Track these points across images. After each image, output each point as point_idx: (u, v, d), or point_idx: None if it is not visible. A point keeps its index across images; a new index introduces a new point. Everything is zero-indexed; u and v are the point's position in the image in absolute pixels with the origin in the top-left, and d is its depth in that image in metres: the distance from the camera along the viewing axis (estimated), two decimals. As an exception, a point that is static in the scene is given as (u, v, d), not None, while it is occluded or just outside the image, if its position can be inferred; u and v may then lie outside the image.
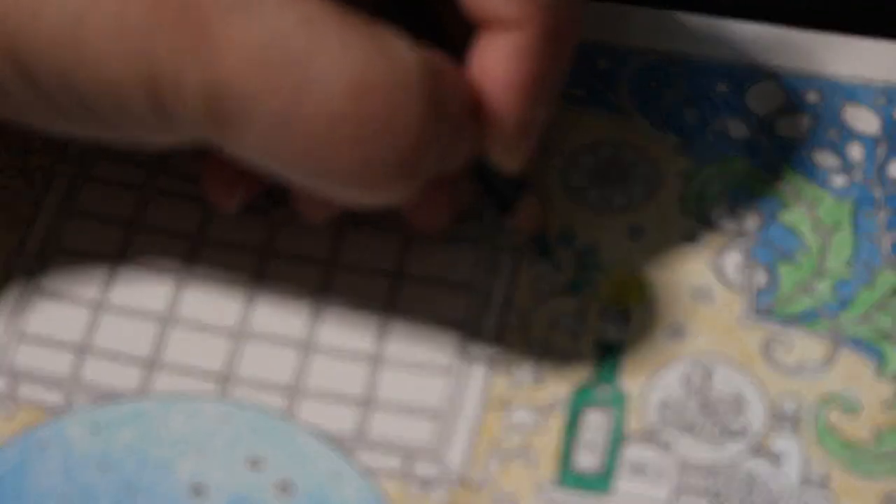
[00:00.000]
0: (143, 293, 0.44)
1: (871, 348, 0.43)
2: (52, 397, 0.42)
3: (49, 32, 0.35)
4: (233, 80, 0.35)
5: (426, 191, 0.38)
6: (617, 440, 0.41)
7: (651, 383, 0.42)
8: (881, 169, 0.46)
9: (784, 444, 0.41)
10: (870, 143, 0.46)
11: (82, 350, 0.43)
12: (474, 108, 0.38)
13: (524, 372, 0.43)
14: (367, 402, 0.42)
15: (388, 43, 0.36)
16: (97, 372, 0.43)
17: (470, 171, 0.42)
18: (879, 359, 0.43)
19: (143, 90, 0.35)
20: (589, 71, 0.48)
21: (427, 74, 0.36)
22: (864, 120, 0.47)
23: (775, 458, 0.41)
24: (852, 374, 0.42)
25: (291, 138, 0.35)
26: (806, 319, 0.43)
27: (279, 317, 0.44)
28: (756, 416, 0.42)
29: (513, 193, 0.43)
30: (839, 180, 0.46)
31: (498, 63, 0.38)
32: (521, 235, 0.45)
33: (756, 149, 0.46)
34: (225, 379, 0.43)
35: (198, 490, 0.41)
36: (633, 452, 0.41)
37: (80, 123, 0.38)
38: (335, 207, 0.43)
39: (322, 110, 0.35)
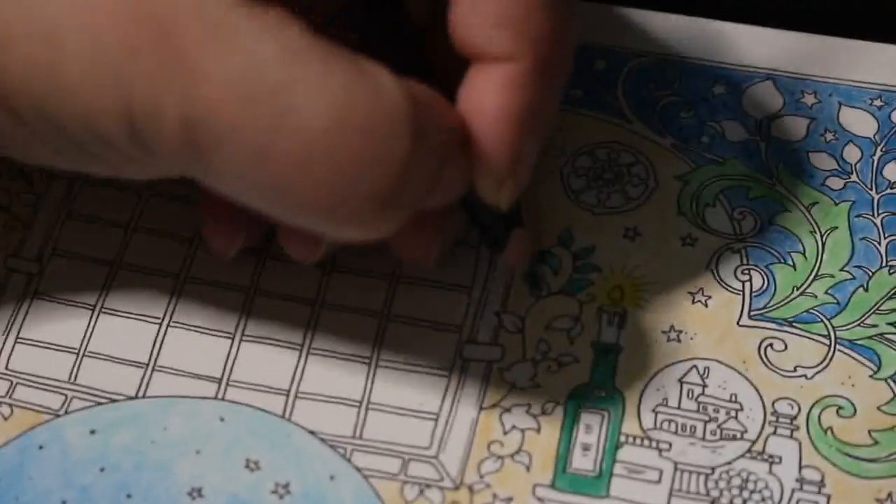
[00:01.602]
0: (141, 295, 0.44)
1: (867, 351, 0.43)
2: (50, 399, 0.42)
3: (24, 63, 0.35)
4: (209, 110, 0.34)
5: (414, 224, 0.37)
6: (613, 442, 0.41)
7: (648, 385, 0.42)
8: (877, 171, 0.46)
9: (780, 446, 0.41)
10: (866, 145, 0.46)
11: (80, 352, 0.43)
12: (464, 143, 0.37)
13: (521, 374, 0.43)
14: (363, 405, 0.42)
15: (371, 75, 0.35)
16: (95, 374, 0.43)
17: (459, 205, 0.41)
18: (875, 361, 0.43)
19: (120, 119, 0.35)
20: (586, 73, 0.48)
21: (411, 107, 0.35)
22: (861, 122, 0.47)
23: (772, 461, 0.41)
24: (848, 376, 0.42)
25: (268, 171, 0.34)
26: (802, 322, 0.43)
27: (277, 319, 0.44)
28: (752, 418, 0.42)
29: (502, 229, 0.43)
30: (836, 182, 0.46)
31: (488, 95, 0.37)
32: (511, 271, 0.44)
33: (753, 151, 0.46)
34: (222, 381, 0.43)
35: (195, 492, 0.41)
36: (630, 455, 0.41)
37: (63, 156, 0.37)
38: (322, 247, 0.42)
39: (300, 143, 0.34)
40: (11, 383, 0.43)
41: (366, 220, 0.35)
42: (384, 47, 0.38)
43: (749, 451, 0.41)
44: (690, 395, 0.42)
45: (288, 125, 0.34)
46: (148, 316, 0.44)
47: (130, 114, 0.35)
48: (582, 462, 0.41)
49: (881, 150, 0.46)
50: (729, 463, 0.41)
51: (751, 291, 0.44)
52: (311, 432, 0.42)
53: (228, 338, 0.43)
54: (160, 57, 0.34)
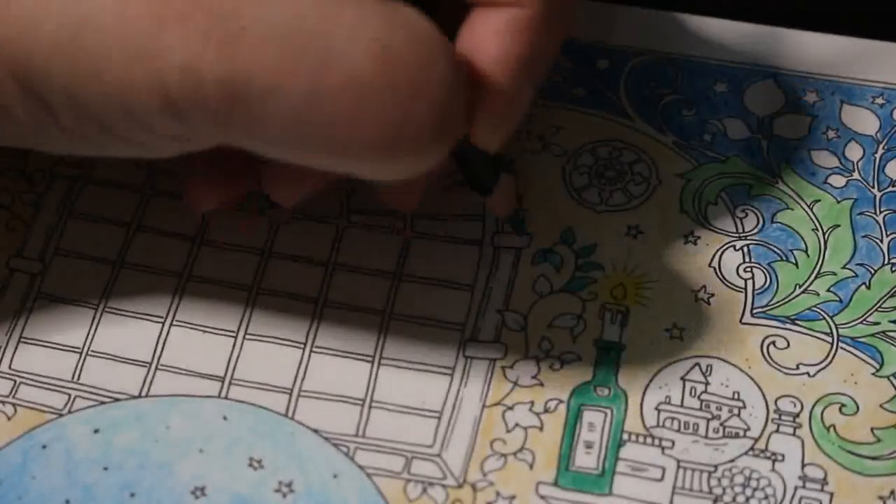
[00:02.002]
0: (143, 294, 0.44)
1: (869, 348, 0.43)
2: (54, 399, 0.42)
3: (50, 43, 0.35)
4: (252, 66, 0.34)
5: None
6: (616, 440, 0.41)
7: (650, 383, 0.42)
8: (879, 169, 0.46)
9: (783, 443, 0.41)
10: (868, 143, 0.47)
11: (83, 351, 0.43)
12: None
13: (523, 372, 0.43)
14: (367, 403, 0.42)
15: (401, 9, 0.35)
16: (98, 373, 0.43)
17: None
18: (878, 359, 0.43)
19: (154, 91, 0.35)
20: (589, 71, 0.48)
21: (444, 38, 0.36)
22: (863, 120, 0.47)
23: (774, 458, 0.41)
24: (851, 374, 0.42)
25: (319, 116, 0.35)
26: (805, 319, 0.43)
27: (279, 317, 0.44)
28: (755, 415, 0.42)
29: (491, 174, 0.43)
30: (838, 180, 0.46)
31: (491, 38, 0.38)
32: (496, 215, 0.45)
33: (755, 149, 0.47)
34: (225, 380, 0.43)
35: (198, 491, 0.41)
36: (633, 452, 0.41)
37: (90, 142, 0.37)
38: (307, 186, 0.42)
39: (349, 81, 0.34)
40: (15, 383, 0.43)
41: (420, 150, 0.36)
42: None
43: (752, 448, 0.41)
44: (693, 393, 0.42)
45: (333, 67, 0.34)
46: (151, 315, 0.44)
47: (164, 84, 0.35)
48: (585, 460, 0.41)
49: (883, 148, 0.46)
50: (732, 460, 0.41)
51: (753, 289, 0.44)
52: (315, 431, 0.42)
53: (231, 336, 0.44)
54: (194, 19, 0.34)
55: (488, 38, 0.38)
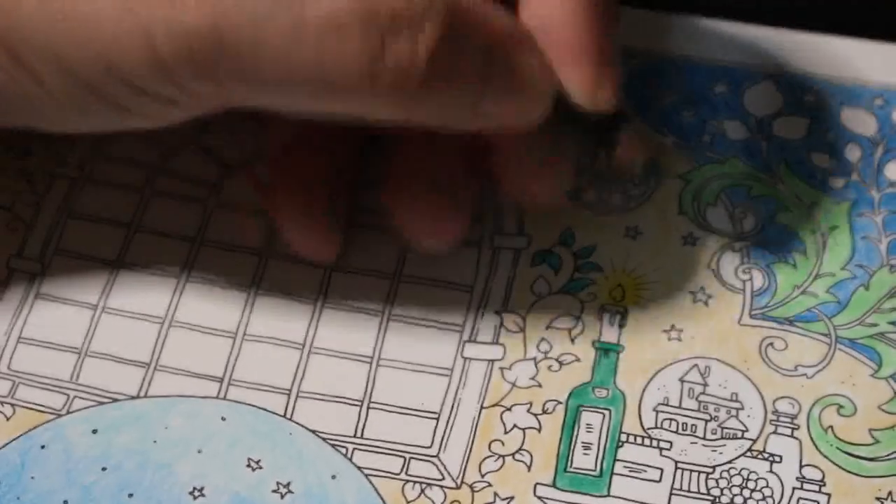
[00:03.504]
0: (142, 295, 0.44)
1: (867, 350, 0.43)
2: (52, 399, 0.42)
3: (35, 4, 0.35)
4: (233, 13, 0.34)
5: (427, 202, 0.38)
6: (614, 441, 0.41)
7: (648, 384, 0.42)
8: (878, 170, 0.46)
9: (781, 445, 0.41)
10: (867, 144, 0.47)
11: (82, 352, 0.43)
12: (523, 42, 0.37)
13: (522, 373, 0.43)
14: (365, 404, 0.42)
15: None
16: (97, 373, 0.43)
17: (559, 123, 0.40)
18: (876, 360, 0.43)
19: (141, 46, 0.35)
20: (588, 71, 0.48)
21: None
22: (862, 121, 0.47)
23: (772, 459, 0.41)
24: (849, 375, 0.42)
25: (303, 55, 0.35)
26: (803, 320, 0.43)
27: (278, 318, 0.44)
28: (753, 417, 0.42)
29: (613, 127, 0.41)
30: (836, 182, 0.46)
31: None
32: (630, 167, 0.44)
33: (754, 150, 0.47)
34: (224, 381, 0.43)
35: (197, 491, 0.41)
36: (631, 454, 0.41)
37: (87, 113, 0.37)
38: (336, 245, 0.43)
39: (327, 17, 0.35)
40: (13, 383, 0.43)
41: (406, 81, 0.36)
42: None
43: (750, 449, 0.41)
44: (691, 394, 0.42)
45: (313, 4, 0.35)
46: (150, 315, 0.44)
47: (151, 39, 0.35)
48: (583, 461, 0.41)
49: (882, 150, 0.46)
50: (730, 462, 0.41)
51: (752, 290, 0.44)
52: (313, 431, 0.42)
53: (230, 337, 0.44)
54: None
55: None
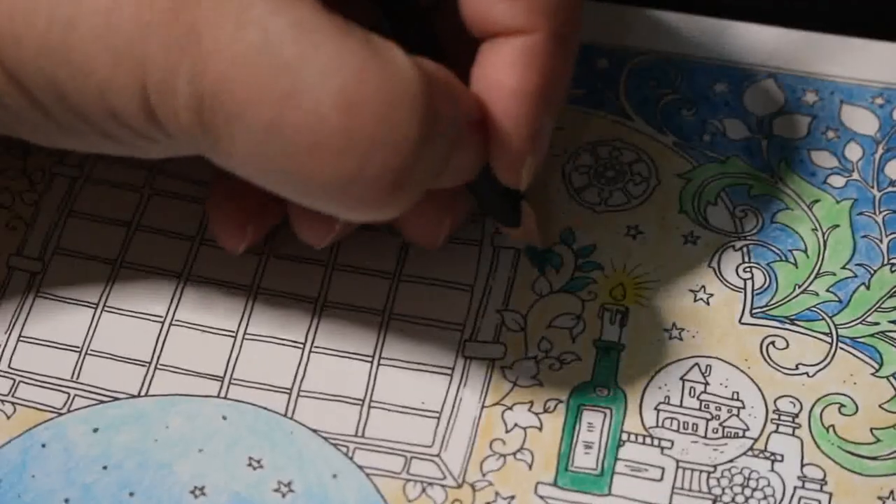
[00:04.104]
0: (143, 294, 0.44)
1: (868, 348, 0.43)
2: (53, 398, 0.42)
3: (38, 41, 0.35)
4: (220, 85, 0.34)
5: (423, 204, 0.37)
6: (615, 440, 0.41)
7: (650, 383, 0.42)
8: (879, 169, 0.46)
9: (782, 444, 0.41)
10: (868, 143, 0.47)
11: (82, 350, 0.43)
12: (479, 123, 0.37)
13: (523, 372, 0.43)
14: (366, 403, 0.42)
15: (384, 54, 0.34)
16: (97, 372, 0.43)
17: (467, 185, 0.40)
18: (877, 359, 0.43)
19: (135, 95, 0.35)
20: (589, 71, 0.48)
21: (424, 88, 0.34)
22: (862, 120, 0.47)
23: (773, 458, 0.41)
24: (850, 374, 0.42)
25: (279, 149, 0.34)
26: (804, 319, 0.43)
27: (279, 317, 0.44)
28: (754, 416, 0.42)
29: (513, 205, 0.42)
30: (837, 181, 0.46)
31: (503, 70, 0.37)
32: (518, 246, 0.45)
33: (754, 149, 0.47)
34: (225, 380, 0.43)
35: (198, 490, 0.41)
36: (632, 453, 0.41)
37: (78, 137, 0.37)
38: (334, 231, 0.42)
39: (310, 123, 0.34)
40: (14, 381, 0.43)
41: (376, 201, 0.35)
42: (395, 25, 0.38)
43: (751, 448, 0.41)
44: (692, 393, 0.42)
45: (298, 103, 0.33)
46: (150, 314, 0.44)
47: (144, 90, 0.34)
48: (584, 460, 0.41)
49: (882, 148, 0.46)
50: (731, 461, 0.41)
51: (752, 289, 0.44)
52: (314, 431, 0.42)
53: (231, 336, 0.44)
54: (173, 31, 0.34)
55: (500, 72, 0.37)
